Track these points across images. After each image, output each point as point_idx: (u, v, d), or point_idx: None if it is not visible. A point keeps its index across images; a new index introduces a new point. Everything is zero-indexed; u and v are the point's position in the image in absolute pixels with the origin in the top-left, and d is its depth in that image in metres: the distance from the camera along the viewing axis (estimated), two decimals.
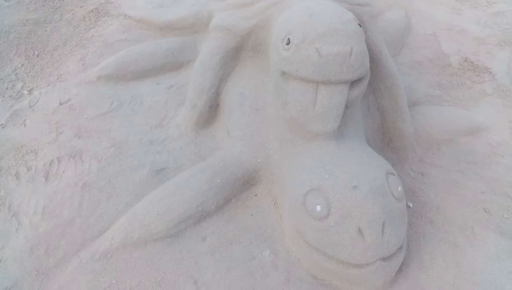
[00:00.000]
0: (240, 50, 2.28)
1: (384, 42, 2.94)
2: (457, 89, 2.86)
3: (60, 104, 2.60)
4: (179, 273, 1.82)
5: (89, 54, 3.04)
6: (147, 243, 1.91)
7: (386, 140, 2.37)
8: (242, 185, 2.15)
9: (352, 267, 1.72)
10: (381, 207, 1.68)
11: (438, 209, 2.14)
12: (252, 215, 2.08)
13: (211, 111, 2.39)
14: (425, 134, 2.42)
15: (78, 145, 2.33)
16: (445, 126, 2.47)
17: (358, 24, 1.89)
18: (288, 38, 1.84)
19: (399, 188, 1.80)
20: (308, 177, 1.82)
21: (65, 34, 3.22)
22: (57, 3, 3.53)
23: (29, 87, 2.75)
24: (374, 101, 2.32)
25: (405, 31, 3.31)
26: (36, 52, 3.03)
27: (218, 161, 2.16)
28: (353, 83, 1.86)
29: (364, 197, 1.68)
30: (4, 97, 2.66)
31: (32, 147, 2.32)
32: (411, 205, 2.15)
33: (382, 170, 1.81)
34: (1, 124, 2.45)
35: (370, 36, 2.22)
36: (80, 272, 1.80)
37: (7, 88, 2.73)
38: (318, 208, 1.73)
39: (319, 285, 1.81)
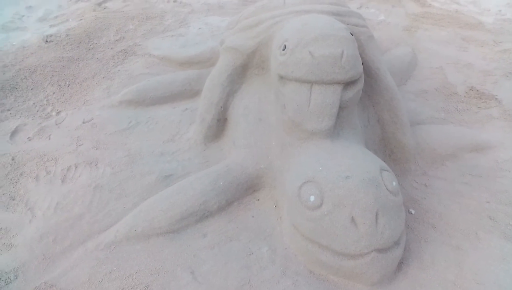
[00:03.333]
0: (247, 68, 2.46)
1: (389, 72, 3.10)
2: (463, 114, 2.92)
3: (83, 122, 2.82)
4: (177, 264, 1.87)
5: (114, 85, 3.32)
6: (150, 237, 1.99)
7: (388, 152, 2.42)
8: (245, 190, 2.23)
9: (347, 259, 1.73)
10: (373, 197, 1.71)
11: (440, 216, 2.12)
12: (253, 216, 2.13)
13: (219, 125, 2.54)
14: (428, 148, 2.45)
15: (95, 155, 2.50)
16: (449, 142, 2.50)
17: (350, 33, 2.05)
18: (284, 45, 2.01)
19: (394, 183, 1.84)
20: (303, 171, 1.89)
21: (95, 69, 3.55)
22: (90, 45, 3.91)
23: (57, 110, 3.00)
24: (374, 114, 2.41)
25: (411, 64, 3.45)
26: (67, 83, 3.33)
27: (222, 166, 2.27)
28: (347, 85, 1.98)
29: (356, 186, 1.73)
30: (34, 117, 2.91)
31: (53, 155, 2.50)
32: (413, 211, 2.15)
33: (376, 165, 1.86)
34: (28, 137, 2.68)
35: (368, 53, 2.37)
36: (84, 259, 1.88)
37: (37, 111, 2.99)
38: (312, 198, 1.78)
39: (316, 279, 1.80)
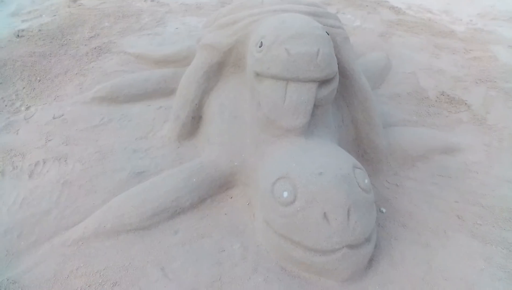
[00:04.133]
0: (223, 65, 2.45)
1: (364, 76, 3.15)
2: (434, 117, 2.99)
3: (54, 118, 2.75)
4: (147, 260, 1.83)
5: (87, 81, 3.24)
6: (120, 234, 1.94)
7: (361, 152, 2.45)
8: (218, 187, 2.21)
9: (319, 255, 1.73)
10: (346, 194, 1.72)
11: (411, 215, 2.16)
12: (226, 214, 2.11)
13: (194, 122, 2.51)
14: (400, 149, 2.49)
15: (64, 151, 2.43)
16: (420, 144, 2.55)
17: (326, 32, 2.07)
18: (261, 42, 2.02)
19: (366, 181, 1.86)
20: (277, 167, 1.89)
21: (68, 65, 3.47)
22: (63, 41, 3.82)
23: (27, 105, 2.91)
24: (348, 114, 2.44)
25: (385, 68, 3.51)
26: (38, 78, 3.24)
27: (195, 163, 2.24)
28: (322, 83, 2.00)
29: (329, 183, 1.74)
30: (2, 112, 2.81)
31: (20, 150, 2.42)
32: (384, 210, 2.18)
33: (349, 162, 1.88)
34: None
35: (343, 54, 2.39)
36: (50, 255, 1.82)
37: (6, 106, 2.89)
38: (285, 194, 1.77)
39: (287, 276, 1.80)
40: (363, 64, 3.41)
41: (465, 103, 3.14)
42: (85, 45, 3.83)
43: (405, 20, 4.55)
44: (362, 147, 2.44)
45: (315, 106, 2.02)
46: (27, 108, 2.88)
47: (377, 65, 3.46)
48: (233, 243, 1.94)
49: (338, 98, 2.45)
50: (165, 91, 3.10)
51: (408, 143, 2.52)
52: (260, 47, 2.02)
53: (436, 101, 3.16)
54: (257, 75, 2.05)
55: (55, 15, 4.38)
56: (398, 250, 1.95)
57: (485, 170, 2.50)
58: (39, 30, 3.92)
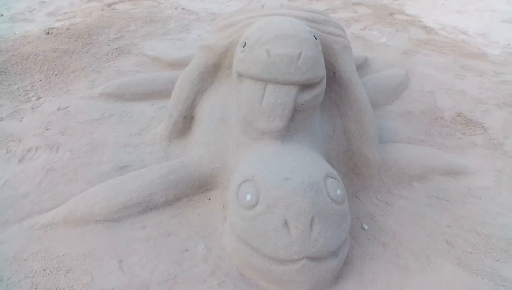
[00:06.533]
0: (219, 67, 2.43)
1: (374, 90, 3.04)
2: (445, 138, 2.80)
3: (58, 109, 2.84)
4: (107, 252, 1.81)
5: (100, 78, 3.34)
6: (88, 223, 1.95)
7: (352, 165, 2.33)
8: (196, 188, 2.17)
9: (277, 264, 1.64)
10: (311, 202, 1.63)
11: (394, 235, 2.01)
12: (199, 214, 2.07)
13: (185, 122, 2.51)
14: (396, 166, 2.35)
15: (59, 140, 2.50)
16: (420, 162, 2.40)
17: (314, 36, 2.01)
18: (245, 42, 1.98)
19: (338, 191, 1.75)
20: (246, 169, 1.83)
21: (86, 62, 3.59)
22: (88, 40, 3.98)
23: (38, 96, 3.04)
24: (340, 124, 2.34)
25: (401, 85, 3.36)
26: (55, 72, 3.38)
27: (177, 161, 2.22)
28: (304, 88, 1.93)
29: (294, 189, 1.65)
30: (13, 100, 2.95)
31: (18, 136, 2.51)
32: (366, 227, 2.05)
33: (321, 170, 1.78)
34: (1, 117, 2.70)
35: (341, 63, 2.31)
36: (16, 237, 1.85)
37: (19, 95, 3.03)
38: (248, 197, 1.71)
39: (244, 283, 1.72)
40: (377, 78, 3.29)
41: (482, 126, 2.93)
42: (108, 45, 3.96)
43: (435, 39, 4.36)
44: (353, 160, 2.32)
45: (296, 111, 1.95)
46: (38, 99, 3.00)
47: (391, 81, 3.32)
48: (197, 244, 1.89)
49: (332, 107, 2.36)
50: (171, 92, 3.12)
51: (405, 161, 2.37)
52: (243, 47, 1.99)
53: (450, 122, 2.97)
54: (239, 75, 2.02)
55: (87, 17, 4.58)
56: (371, 269, 1.81)
57: (490, 197, 2.30)
58: (67, 29, 4.11)
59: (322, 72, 1.98)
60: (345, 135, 2.34)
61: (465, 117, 3.03)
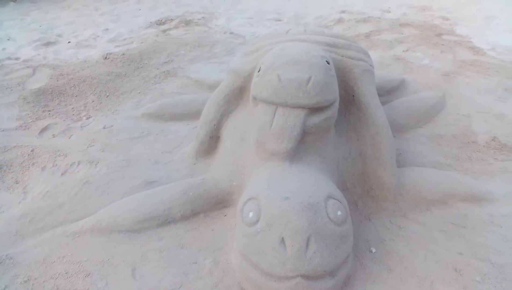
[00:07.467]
0: (244, 90, 2.57)
1: (407, 113, 3.00)
2: (474, 163, 2.67)
3: (104, 128, 3.13)
4: (123, 260, 1.97)
5: (145, 99, 3.63)
6: (112, 233, 2.13)
7: (367, 187, 2.32)
8: (213, 204, 2.29)
9: (273, 280, 1.69)
10: (308, 221, 1.68)
11: (401, 259, 1.96)
12: (213, 229, 2.17)
13: (211, 142, 2.65)
14: (414, 190, 2.29)
15: (99, 156, 2.75)
16: (439, 187, 2.32)
17: (327, 61, 2.07)
18: (260, 67, 2.10)
19: (339, 213, 1.77)
20: (252, 188, 1.92)
21: (136, 85, 3.91)
22: (140, 64, 4.33)
23: (89, 115, 3.36)
24: (357, 147, 2.35)
25: (435, 108, 3.26)
26: (107, 94, 3.72)
27: (198, 179, 2.36)
28: (313, 111, 1.99)
29: (293, 208, 1.71)
30: (66, 119, 3.29)
31: (65, 152, 2.81)
32: (373, 250, 2.03)
33: (323, 192, 1.82)
34: (53, 135, 3.03)
35: (360, 86, 2.34)
36: (48, 242, 2.08)
37: (73, 114, 3.38)
38: (251, 214, 1.79)
39: None
40: (410, 101, 3.24)
41: None
42: (157, 68, 4.27)
43: (481, 60, 4.16)
44: (368, 183, 2.32)
45: (306, 133, 2.01)
46: (88, 118, 3.32)
47: (425, 103, 3.23)
48: (206, 257, 1.99)
49: (350, 129, 2.38)
50: None
51: (424, 185, 2.31)
52: (258, 72, 2.10)
53: (483, 146, 2.83)
54: (254, 98, 2.13)
55: (142, 42, 4.97)
56: None
57: None
58: (123, 54, 4.50)
59: (332, 96, 2.03)
60: (361, 157, 2.34)
61: (499, 141, 2.87)
